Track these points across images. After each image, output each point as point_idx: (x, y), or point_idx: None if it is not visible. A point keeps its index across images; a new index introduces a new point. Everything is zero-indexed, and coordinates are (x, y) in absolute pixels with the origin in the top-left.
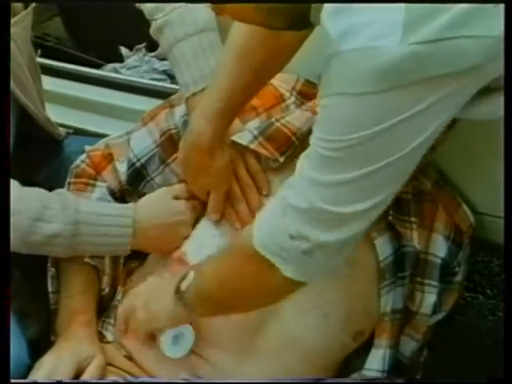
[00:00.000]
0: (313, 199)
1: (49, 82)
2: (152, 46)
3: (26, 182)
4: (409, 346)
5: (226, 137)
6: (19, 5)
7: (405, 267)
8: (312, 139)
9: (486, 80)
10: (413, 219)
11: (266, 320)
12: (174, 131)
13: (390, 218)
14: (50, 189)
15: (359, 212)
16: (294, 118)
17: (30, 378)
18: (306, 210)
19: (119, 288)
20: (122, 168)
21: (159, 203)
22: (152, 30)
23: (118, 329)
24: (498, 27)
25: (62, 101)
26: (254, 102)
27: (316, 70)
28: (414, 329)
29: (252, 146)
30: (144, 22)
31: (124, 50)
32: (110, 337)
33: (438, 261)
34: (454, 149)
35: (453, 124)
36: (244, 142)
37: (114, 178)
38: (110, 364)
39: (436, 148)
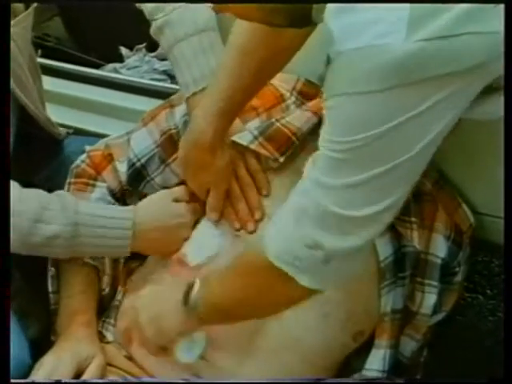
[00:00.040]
0: (325, 204)
1: (49, 82)
2: (152, 46)
3: (26, 181)
4: (409, 346)
5: (226, 137)
6: (20, 5)
7: (405, 267)
8: (320, 142)
9: (490, 79)
10: (413, 219)
11: (266, 320)
12: (174, 131)
13: None
14: (50, 189)
15: (372, 215)
16: (295, 118)
17: (30, 378)
18: (319, 216)
19: (119, 288)
20: (122, 168)
21: (159, 205)
22: (152, 30)
23: (122, 343)
24: (500, 24)
25: (62, 101)
26: (255, 102)
27: (316, 69)
28: (414, 329)
29: (252, 147)
30: (144, 22)
31: (124, 50)
32: (110, 337)
33: (439, 261)
34: (454, 149)
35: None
36: (244, 143)
37: (114, 178)
38: (110, 364)
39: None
